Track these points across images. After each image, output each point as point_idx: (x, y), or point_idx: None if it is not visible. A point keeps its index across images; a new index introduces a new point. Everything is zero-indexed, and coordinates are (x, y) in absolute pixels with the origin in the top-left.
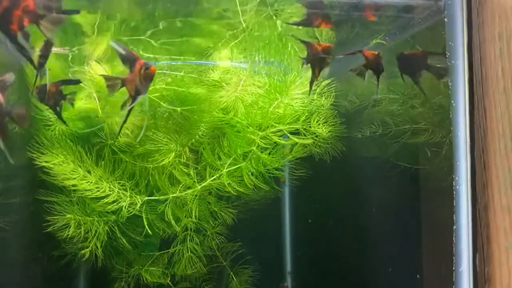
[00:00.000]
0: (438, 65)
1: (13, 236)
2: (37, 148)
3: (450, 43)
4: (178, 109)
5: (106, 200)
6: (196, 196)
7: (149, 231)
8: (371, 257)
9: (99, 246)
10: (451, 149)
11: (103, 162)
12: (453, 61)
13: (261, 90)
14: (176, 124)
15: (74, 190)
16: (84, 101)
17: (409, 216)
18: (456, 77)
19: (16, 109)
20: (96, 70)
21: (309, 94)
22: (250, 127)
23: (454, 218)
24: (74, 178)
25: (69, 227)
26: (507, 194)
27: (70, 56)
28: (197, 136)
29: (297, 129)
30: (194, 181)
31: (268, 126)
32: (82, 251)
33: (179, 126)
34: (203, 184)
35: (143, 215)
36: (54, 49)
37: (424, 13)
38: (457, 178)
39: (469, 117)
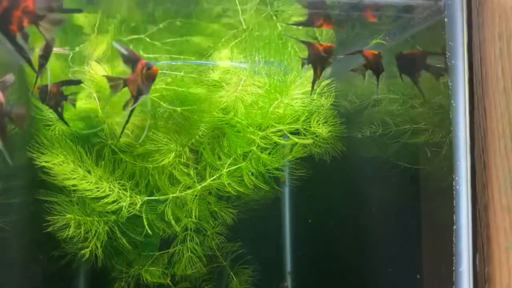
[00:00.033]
0: (438, 65)
1: (13, 236)
2: (37, 148)
3: (450, 43)
4: (178, 109)
5: (106, 200)
6: (196, 196)
7: (149, 231)
8: (371, 257)
9: (99, 246)
10: (451, 149)
11: (103, 162)
12: (453, 61)
13: (261, 90)
14: (176, 124)
15: (74, 190)
16: (84, 101)
17: (409, 216)
18: (456, 77)
19: (16, 109)
20: (96, 70)
21: (310, 94)
22: (250, 127)
23: (454, 218)
24: (74, 178)
25: (69, 227)
26: (507, 194)
27: (70, 56)
28: (197, 136)
29: (297, 129)
30: (194, 181)
31: (268, 126)
32: (82, 251)
33: (179, 126)
34: (203, 184)
35: (143, 215)
36: (54, 49)
37: (424, 13)
38: (457, 178)
39: (469, 117)
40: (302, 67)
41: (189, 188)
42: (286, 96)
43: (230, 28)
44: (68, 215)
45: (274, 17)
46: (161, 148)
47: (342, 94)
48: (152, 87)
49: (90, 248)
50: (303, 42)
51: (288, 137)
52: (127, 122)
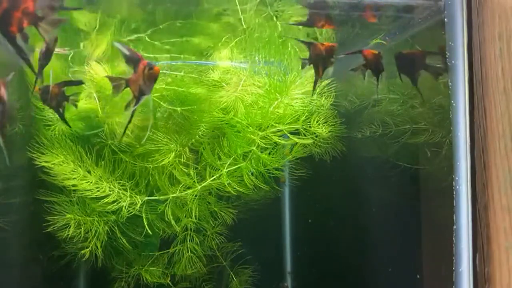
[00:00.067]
0: (437, 65)
1: (13, 236)
2: (37, 148)
3: (450, 43)
4: (178, 109)
5: (106, 200)
6: (196, 196)
7: (149, 231)
8: (371, 257)
9: (99, 246)
10: (451, 149)
11: (103, 162)
12: (453, 61)
13: (261, 90)
14: (176, 124)
15: (74, 190)
16: (84, 101)
17: (409, 216)
18: (456, 77)
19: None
20: (96, 70)
21: (312, 94)
22: (250, 127)
23: (454, 218)
24: (74, 178)
25: (69, 227)
26: (507, 194)
27: (70, 56)
28: (197, 136)
29: (297, 129)
30: (194, 181)
31: (268, 126)
32: (82, 251)
33: (179, 126)
34: (203, 184)
35: (143, 215)
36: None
37: (424, 13)
38: (457, 178)
39: (469, 117)
40: (302, 68)
41: (189, 188)
42: (286, 96)
43: (230, 28)
44: (68, 215)
45: (274, 17)
46: (161, 148)
47: (342, 94)
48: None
49: (90, 248)
50: (304, 42)
51: (288, 137)
52: (129, 122)
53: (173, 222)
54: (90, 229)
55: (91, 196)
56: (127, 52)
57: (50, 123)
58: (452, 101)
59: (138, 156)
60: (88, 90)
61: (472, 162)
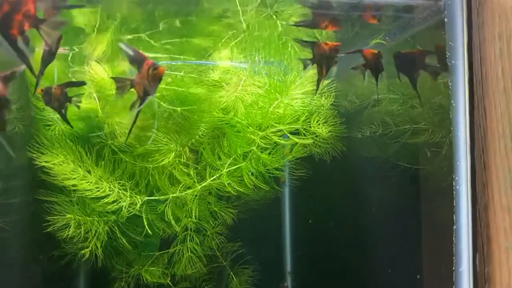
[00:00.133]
0: (436, 65)
1: (13, 236)
2: (37, 148)
3: (450, 43)
4: (178, 109)
5: (106, 200)
6: (196, 196)
7: (149, 231)
8: (371, 257)
9: (99, 246)
10: (451, 149)
11: (103, 162)
12: (453, 61)
13: (261, 90)
14: (176, 124)
15: (74, 190)
16: (84, 101)
17: (409, 216)
18: (456, 77)
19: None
20: (96, 70)
21: (315, 94)
22: (250, 127)
23: (454, 218)
24: (74, 178)
25: (69, 227)
26: (507, 194)
27: (70, 56)
28: (197, 136)
29: (297, 129)
30: (194, 181)
31: (268, 126)
32: (82, 251)
33: (179, 126)
34: (203, 184)
35: (143, 215)
36: None
37: (424, 13)
38: (457, 178)
39: (469, 117)
40: (305, 68)
41: (189, 188)
42: (286, 96)
43: (230, 28)
44: (68, 215)
45: (274, 17)
46: (161, 148)
47: (342, 94)
48: None
49: (90, 248)
50: (307, 42)
51: (288, 137)
52: (134, 123)
53: (173, 222)
54: (90, 229)
55: (91, 196)
56: (131, 52)
57: (50, 123)
58: (452, 101)
59: (138, 156)
60: (88, 90)
61: (472, 162)
